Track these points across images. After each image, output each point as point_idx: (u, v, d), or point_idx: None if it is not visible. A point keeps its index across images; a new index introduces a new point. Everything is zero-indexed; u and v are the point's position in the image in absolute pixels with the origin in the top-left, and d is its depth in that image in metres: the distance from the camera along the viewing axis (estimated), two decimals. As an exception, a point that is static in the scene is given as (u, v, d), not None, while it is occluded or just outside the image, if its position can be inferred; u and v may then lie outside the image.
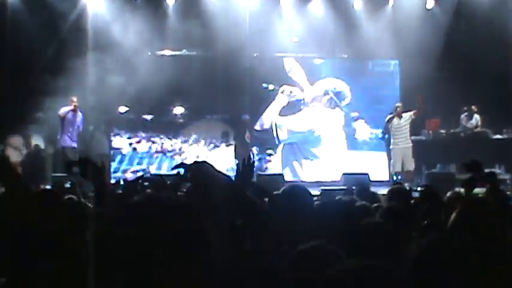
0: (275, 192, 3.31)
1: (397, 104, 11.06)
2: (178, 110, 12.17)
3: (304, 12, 12.55)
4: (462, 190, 4.34)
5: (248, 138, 12.10)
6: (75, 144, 10.58)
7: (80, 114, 10.67)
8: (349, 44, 12.45)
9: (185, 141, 12.20)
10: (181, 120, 12.23)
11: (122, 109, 11.78)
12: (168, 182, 4.84)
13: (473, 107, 11.95)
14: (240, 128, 12.24)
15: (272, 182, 8.74)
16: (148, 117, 12.00)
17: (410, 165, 10.66)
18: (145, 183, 4.69)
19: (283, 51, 12.52)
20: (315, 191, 6.22)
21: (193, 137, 12.23)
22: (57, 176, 9.20)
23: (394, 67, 13.27)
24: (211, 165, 2.27)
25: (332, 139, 12.44)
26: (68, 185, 7.32)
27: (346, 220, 2.67)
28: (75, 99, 10.41)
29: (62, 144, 10.47)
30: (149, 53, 11.72)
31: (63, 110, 10.43)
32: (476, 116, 11.97)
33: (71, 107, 10.44)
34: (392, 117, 10.85)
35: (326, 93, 12.96)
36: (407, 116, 10.77)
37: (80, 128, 10.78)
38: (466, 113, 12.05)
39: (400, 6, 12.51)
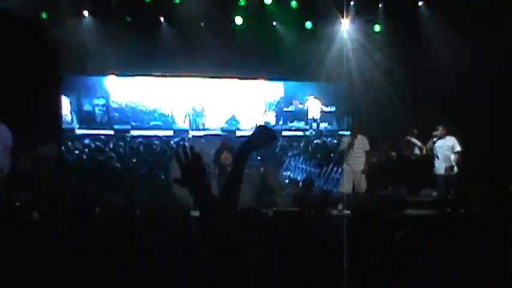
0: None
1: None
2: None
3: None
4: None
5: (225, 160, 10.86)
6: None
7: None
8: (292, 66, 12.27)
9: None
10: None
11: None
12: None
13: (408, 138, 11.91)
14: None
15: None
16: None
17: (362, 187, 10.31)
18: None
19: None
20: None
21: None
22: None
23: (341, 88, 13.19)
24: None
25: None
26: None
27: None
28: None
29: None
30: None
31: None
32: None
33: None
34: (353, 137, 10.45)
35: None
36: (362, 143, 10.43)
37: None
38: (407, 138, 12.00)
39: (350, 29, 12.48)
